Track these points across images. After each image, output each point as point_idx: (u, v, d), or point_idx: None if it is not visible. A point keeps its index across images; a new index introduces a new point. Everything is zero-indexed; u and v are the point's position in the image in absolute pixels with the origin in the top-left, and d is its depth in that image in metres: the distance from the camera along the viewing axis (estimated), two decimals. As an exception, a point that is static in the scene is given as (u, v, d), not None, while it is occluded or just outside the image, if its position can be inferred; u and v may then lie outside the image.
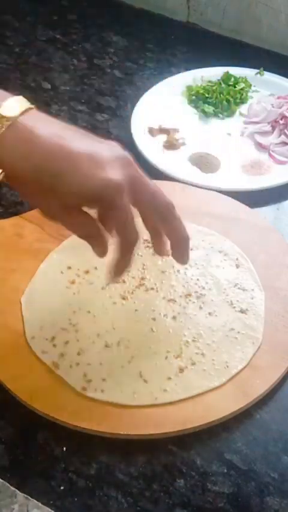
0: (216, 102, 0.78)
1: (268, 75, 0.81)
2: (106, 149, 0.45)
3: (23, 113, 0.44)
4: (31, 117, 0.44)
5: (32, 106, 0.45)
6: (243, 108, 0.79)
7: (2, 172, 0.49)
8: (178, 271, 0.60)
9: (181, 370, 0.52)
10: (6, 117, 0.43)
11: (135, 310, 0.57)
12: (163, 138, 0.75)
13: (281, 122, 0.74)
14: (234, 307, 0.57)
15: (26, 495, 0.47)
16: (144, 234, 0.63)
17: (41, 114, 0.45)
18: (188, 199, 0.67)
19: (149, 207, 0.48)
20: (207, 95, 0.79)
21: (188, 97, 0.80)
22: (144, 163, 0.72)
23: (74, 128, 0.46)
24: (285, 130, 0.74)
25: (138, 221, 0.48)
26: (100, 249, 0.48)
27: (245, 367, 0.53)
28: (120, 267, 0.48)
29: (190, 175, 0.70)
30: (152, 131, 0.75)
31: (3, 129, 0.42)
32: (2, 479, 0.48)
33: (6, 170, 0.45)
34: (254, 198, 0.67)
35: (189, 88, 0.81)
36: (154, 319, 0.56)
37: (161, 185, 0.68)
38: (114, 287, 0.58)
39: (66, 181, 0.43)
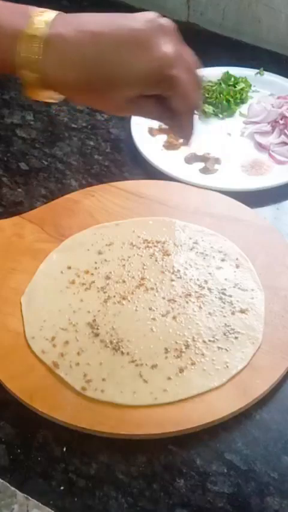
0: (216, 102, 0.78)
1: (268, 75, 0.81)
2: (145, 24, 0.44)
3: (51, 25, 0.43)
4: (60, 26, 0.43)
5: (56, 12, 0.44)
6: (243, 108, 0.79)
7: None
8: (178, 271, 0.60)
9: (181, 370, 0.52)
10: (38, 36, 0.42)
11: (135, 310, 0.57)
12: (163, 138, 0.75)
13: (281, 122, 0.74)
14: (234, 307, 0.57)
15: (26, 495, 0.47)
16: (145, 232, 0.63)
17: (68, 16, 0.45)
18: (188, 200, 0.67)
19: (189, 82, 0.45)
20: (207, 95, 0.79)
21: (188, 97, 0.80)
22: (144, 163, 0.72)
23: (102, 16, 0.45)
24: (285, 131, 0.74)
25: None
26: (179, 128, 0.49)
27: (245, 367, 0.53)
28: (188, 129, 0.49)
29: (190, 175, 0.70)
30: (152, 131, 0.75)
31: (41, 49, 0.42)
32: (2, 479, 0.48)
33: (60, 87, 0.44)
34: (254, 198, 0.67)
35: (189, 88, 0.81)
36: (154, 319, 0.56)
37: (161, 185, 0.69)
38: (114, 287, 0.58)
39: (121, 73, 0.43)
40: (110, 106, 0.46)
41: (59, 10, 0.44)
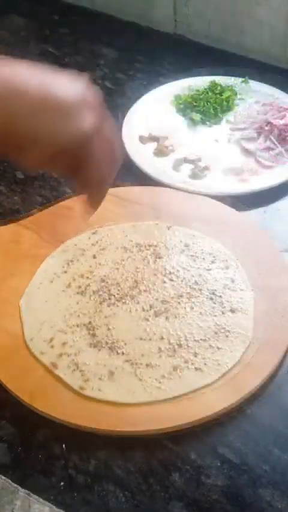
0: (203, 110, 0.80)
1: (253, 84, 0.83)
2: (72, 95, 0.43)
3: None
4: None
5: None
6: (229, 116, 0.80)
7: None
8: (170, 273, 0.61)
9: (175, 368, 0.54)
10: None
11: (130, 311, 0.58)
12: (153, 145, 0.77)
13: (266, 128, 0.76)
14: (225, 307, 0.58)
15: (27, 491, 0.48)
16: (137, 236, 0.65)
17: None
18: (178, 204, 0.68)
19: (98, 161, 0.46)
20: (194, 104, 0.80)
21: (177, 105, 0.82)
22: (135, 170, 0.74)
23: (35, 72, 0.43)
24: (271, 136, 0.75)
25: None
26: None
27: (236, 364, 0.54)
28: (95, 200, 0.49)
29: (179, 180, 0.71)
30: (142, 139, 0.77)
31: None
32: (4, 476, 0.49)
33: None
34: (242, 202, 0.69)
35: (177, 97, 0.82)
36: (148, 320, 0.57)
37: (152, 191, 0.70)
38: (109, 290, 0.60)
39: (36, 136, 0.42)
40: (26, 161, 0.45)
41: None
